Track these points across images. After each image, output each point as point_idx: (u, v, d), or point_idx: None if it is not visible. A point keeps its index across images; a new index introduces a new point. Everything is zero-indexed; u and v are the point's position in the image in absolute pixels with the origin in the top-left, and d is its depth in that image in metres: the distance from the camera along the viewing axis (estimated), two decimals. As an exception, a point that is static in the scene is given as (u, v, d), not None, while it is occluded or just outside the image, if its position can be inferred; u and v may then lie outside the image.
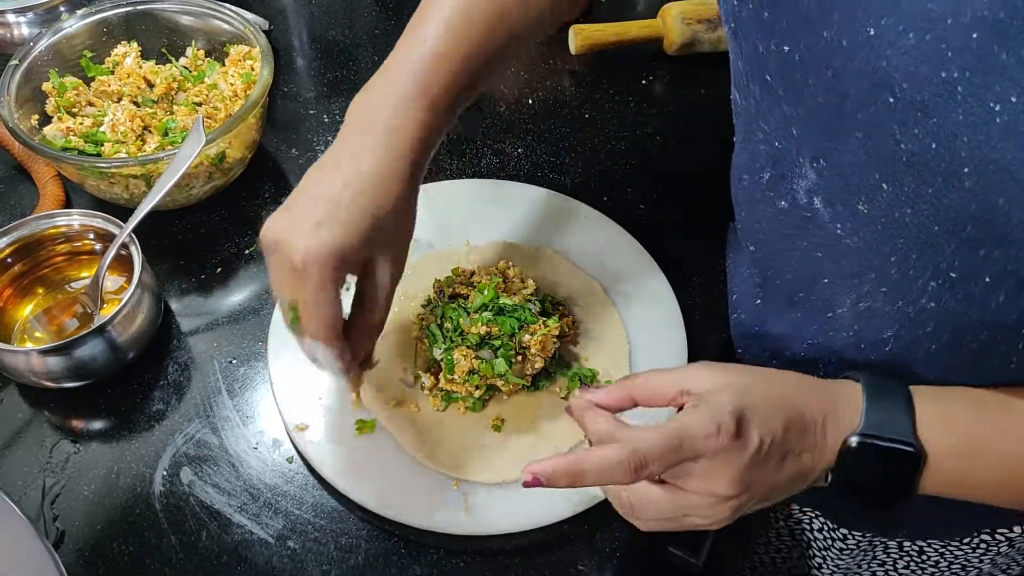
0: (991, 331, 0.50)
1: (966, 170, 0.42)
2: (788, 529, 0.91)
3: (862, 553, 0.83)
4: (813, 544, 0.89)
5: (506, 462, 0.70)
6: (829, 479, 0.54)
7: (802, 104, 0.50)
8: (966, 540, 0.77)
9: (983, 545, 0.77)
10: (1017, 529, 0.75)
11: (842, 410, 0.53)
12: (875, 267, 0.53)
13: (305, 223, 0.56)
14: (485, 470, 0.69)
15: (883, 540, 0.81)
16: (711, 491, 0.51)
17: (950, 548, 0.79)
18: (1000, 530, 0.75)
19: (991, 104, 0.39)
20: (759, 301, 0.70)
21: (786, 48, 0.49)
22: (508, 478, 0.69)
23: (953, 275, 0.48)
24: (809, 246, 0.58)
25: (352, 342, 0.62)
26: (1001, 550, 0.77)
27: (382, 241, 0.59)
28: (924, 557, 0.81)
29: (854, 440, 0.52)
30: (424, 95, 0.60)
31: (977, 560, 0.79)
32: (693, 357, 0.76)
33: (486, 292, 0.70)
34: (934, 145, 0.43)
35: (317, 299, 0.57)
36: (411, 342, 0.75)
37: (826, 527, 0.86)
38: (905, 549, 0.81)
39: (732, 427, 0.49)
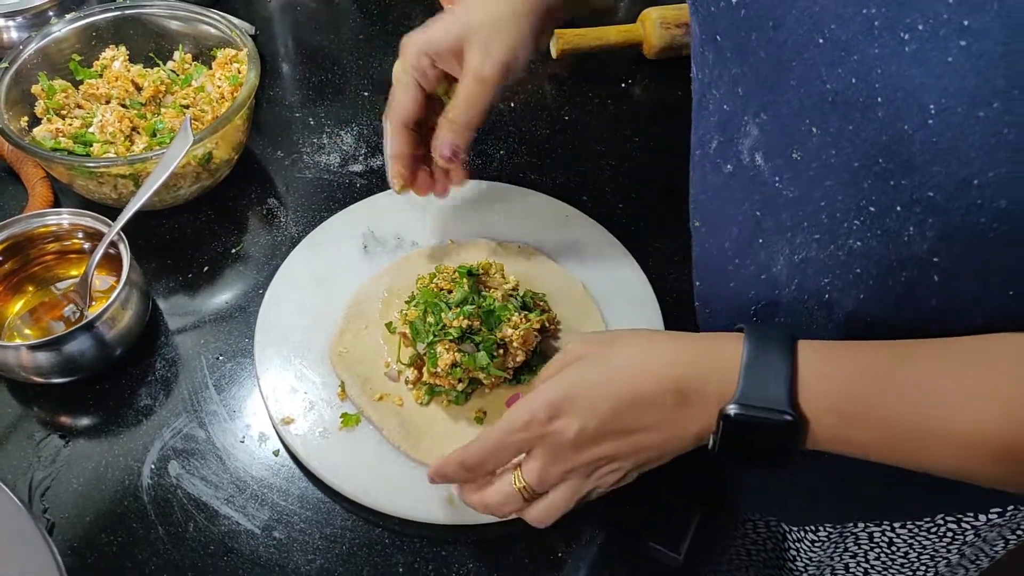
0: (909, 269, 0.52)
1: (879, 99, 0.45)
2: (764, 522, 0.93)
3: (833, 545, 0.85)
4: (788, 536, 0.91)
5: None
6: (712, 445, 0.55)
7: (747, 61, 0.55)
8: (933, 529, 0.79)
9: (950, 534, 0.79)
10: (982, 518, 0.76)
11: (710, 373, 0.54)
12: (808, 215, 0.56)
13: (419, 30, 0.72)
14: None
15: (853, 531, 0.83)
16: (567, 467, 0.57)
17: (918, 539, 0.80)
18: (966, 518, 0.77)
19: (902, 34, 0.43)
20: (698, 282, 0.74)
21: (734, 2, 0.53)
22: None
23: (872, 209, 0.50)
24: (751, 206, 0.61)
25: (436, 135, 0.74)
26: (968, 539, 0.79)
27: (475, 38, 0.70)
28: (894, 548, 0.82)
29: (732, 409, 0.52)
30: None
31: (944, 550, 0.81)
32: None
33: (467, 287, 0.72)
34: (854, 80, 0.46)
35: (395, 78, 0.73)
36: (395, 337, 0.77)
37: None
38: (875, 540, 0.83)
39: (543, 415, 0.55)
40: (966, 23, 0.40)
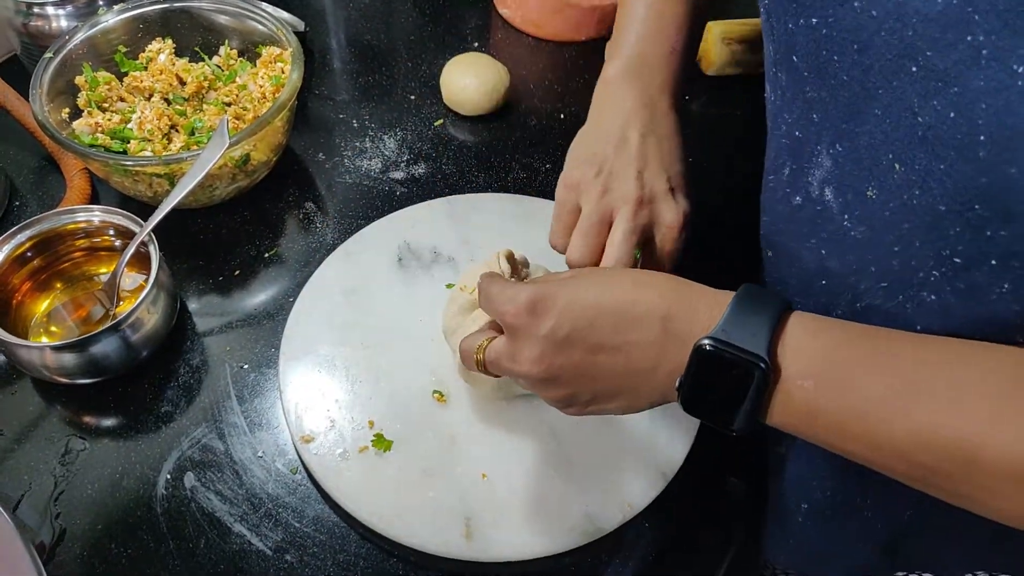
0: (989, 329, 0.48)
1: (982, 138, 0.41)
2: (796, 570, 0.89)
3: None
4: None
5: None
6: (679, 385, 0.51)
7: (825, 85, 0.50)
8: None
9: None
10: None
11: (701, 312, 0.51)
12: (876, 259, 0.52)
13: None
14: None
15: None
16: (516, 369, 0.55)
17: None
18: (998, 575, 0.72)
19: (1014, 67, 0.38)
20: None
21: (815, 21, 0.49)
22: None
23: (957, 261, 0.46)
24: (817, 243, 0.58)
25: None
26: None
27: (672, 184, 0.67)
28: None
29: (707, 343, 0.49)
30: (667, 51, 0.71)
31: None
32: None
33: None
34: (952, 115, 0.42)
35: (588, 221, 0.65)
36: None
37: None
38: None
39: (523, 303, 0.54)
40: None
